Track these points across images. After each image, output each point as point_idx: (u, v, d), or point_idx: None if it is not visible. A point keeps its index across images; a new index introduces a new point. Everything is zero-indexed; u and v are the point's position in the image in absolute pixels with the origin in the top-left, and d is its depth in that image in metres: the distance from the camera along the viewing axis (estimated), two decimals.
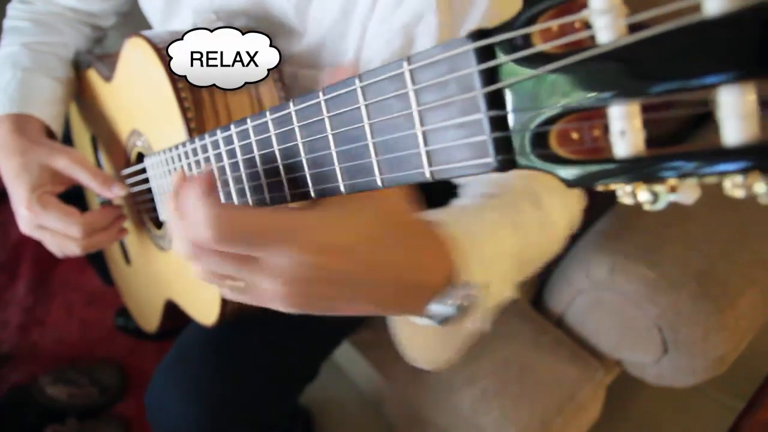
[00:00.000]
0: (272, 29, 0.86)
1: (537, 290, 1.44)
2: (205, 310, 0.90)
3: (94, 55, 1.06)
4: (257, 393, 1.00)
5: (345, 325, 1.23)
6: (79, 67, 1.07)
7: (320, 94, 0.40)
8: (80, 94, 1.10)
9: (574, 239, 1.34)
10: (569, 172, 0.28)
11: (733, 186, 0.24)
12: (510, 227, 0.67)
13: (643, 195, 0.27)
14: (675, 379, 1.21)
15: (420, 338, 0.64)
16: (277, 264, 0.43)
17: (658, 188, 0.26)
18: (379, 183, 0.39)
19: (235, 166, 0.55)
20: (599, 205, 1.38)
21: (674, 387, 1.23)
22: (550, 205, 0.74)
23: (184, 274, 0.93)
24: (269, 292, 0.45)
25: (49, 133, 0.97)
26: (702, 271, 1.15)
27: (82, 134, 1.18)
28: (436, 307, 0.54)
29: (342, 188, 0.42)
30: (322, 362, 1.16)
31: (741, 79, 0.22)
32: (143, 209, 1.00)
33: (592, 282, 1.23)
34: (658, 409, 1.60)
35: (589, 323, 1.30)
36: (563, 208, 0.78)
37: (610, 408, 1.33)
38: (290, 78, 0.87)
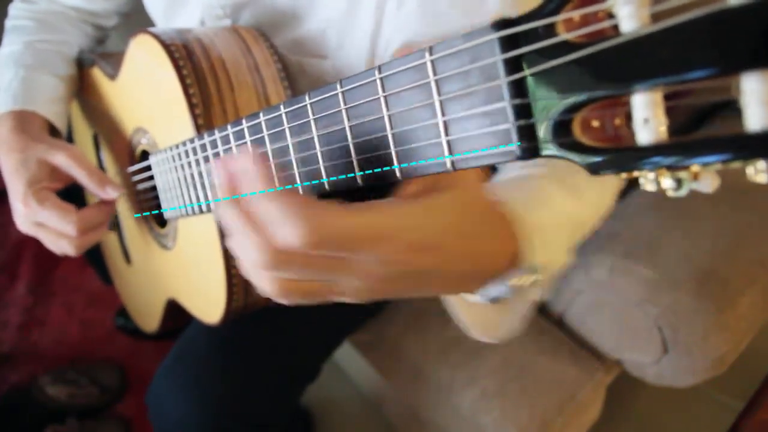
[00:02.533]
0: (276, 18, 0.87)
1: None
2: (209, 309, 0.90)
3: (97, 54, 1.06)
4: (258, 392, 1.00)
5: (346, 325, 1.23)
6: (82, 65, 1.07)
7: (338, 86, 0.41)
8: (83, 92, 1.10)
9: None
10: (592, 160, 0.29)
11: (756, 171, 0.24)
12: (565, 190, 0.66)
13: (667, 182, 0.27)
14: (675, 379, 1.22)
15: (479, 315, 0.63)
16: (367, 265, 0.41)
17: (682, 175, 0.27)
18: (398, 174, 0.39)
19: None
20: None
21: (674, 387, 1.24)
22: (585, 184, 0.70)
23: (189, 272, 0.93)
24: (350, 290, 0.44)
25: (53, 131, 0.97)
26: (702, 271, 1.15)
27: (83, 133, 1.18)
28: (493, 288, 0.55)
29: (359, 180, 0.42)
30: (324, 362, 1.16)
31: (765, 66, 0.22)
32: (146, 207, 1.00)
33: (592, 282, 1.24)
34: (658, 409, 1.61)
35: (589, 323, 1.30)
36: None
37: (610, 408, 1.33)
38: (296, 68, 0.87)
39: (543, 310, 1.40)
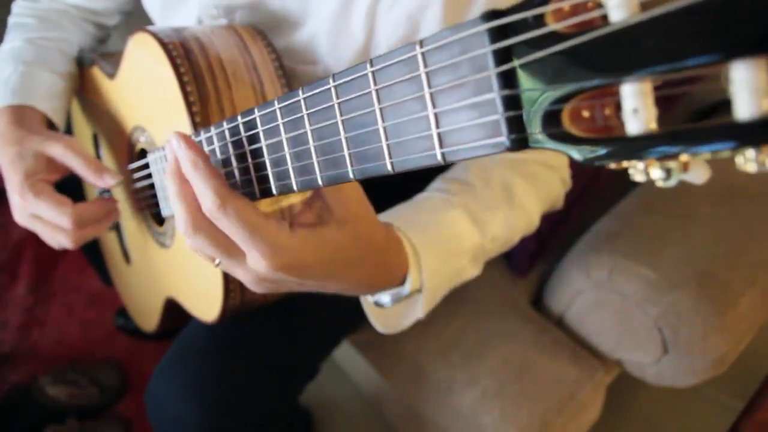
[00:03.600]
0: (271, 22, 0.87)
1: (537, 290, 1.44)
2: (206, 307, 0.90)
3: (97, 53, 1.06)
4: (257, 391, 1.00)
5: (345, 324, 1.23)
6: (82, 64, 1.07)
7: (330, 80, 0.41)
8: (82, 91, 1.10)
9: (575, 239, 1.35)
10: (581, 151, 0.29)
11: (746, 161, 0.24)
12: (472, 225, 0.80)
13: (656, 172, 0.27)
14: (675, 379, 1.22)
15: (376, 310, 0.77)
16: (251, 263, 0.52)
17: (671, 164, 0.26)
18: (388, 167, 0.39)
19: (241, 157, 0.55)
20: (599, 205, 1.38)
21: (674, 387, 1.24)
22: (523, 195, 0.86)
23: (186, 270, 0.94)
24: (242, 278, 0.56)
25: (51, 126, 0.97)
26: (702, 271, 1.15)
27: (83, 132, 1.18)
28: (378, 296, 0.73)
29: (351, 174, 0.42)
30: (322, 361, 1.16)
31: (753, 54, 0.22)
32: (145, 206, 1.00)
33: (592, 282, 1.24)
34: (658, 409, 1.60)
35: (589, 323, 1.30)
36: (538, 196, 0.89)
37: (610, 408, 1.33)
38: (288, 73, 0.88)
39: (543, 310, 1.40)
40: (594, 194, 1.39)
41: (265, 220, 0.51)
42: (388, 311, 0.77)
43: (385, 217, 0.78)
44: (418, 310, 0.76)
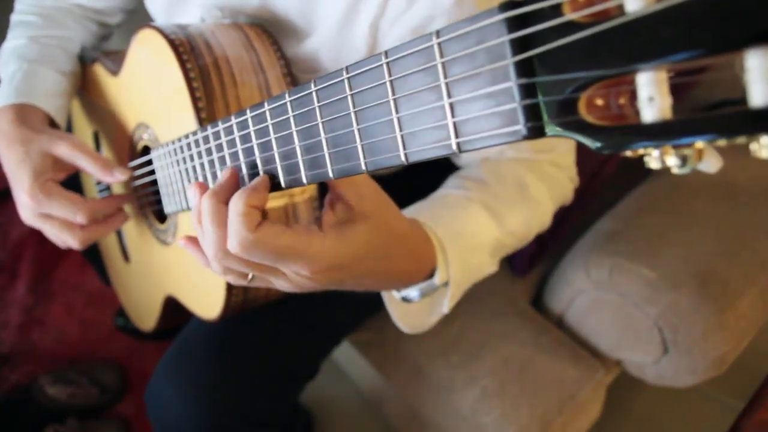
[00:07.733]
0: (277, 30, 0.88)
1: (537, 290, 1.44)
2: (208, 305, 0.90)
3: (100, 51, 1.06)
4: (257, 390, 1.00)
5: (346, 323, 1.23)
6: (83, 62, 1.07)
7: (344, 72, 0.41)
8: (84, 89, 1.10)
9: (575, 239, 1.35)
10: (597, 139, 0.29)
11: (761, 147, 0.25)
12: (491, 219, 0.82)
13: (672, 160, 0.27)
14: (675, 379, 1.22)
15: (402, 308, 0.79)
16: (292, 275, 0.55)
17: (687, 152, 0.27)
18: (402, 158, 0.39)
19: (249, 151, 0.55)
20: (599, 205, 1.39)
21: (674, 387, 1.24)
22: (538, 190, 0.88)
23: (187, 268, 0.93)
24: (281, 286, 0.58)
25: (53, 125, 0.97)
26: (702, 271, 1.16)
27: (83, 130, 1.18)
28: (405, 291, 0.74)
29: (363, 166, 0.42)
30: (323, 360, 1.16)
31: None
32: (146, 203, 1.00)
33: (592, 282, 1.24)
34: (658, 409, 1.61)
35: (589, 323, 1.31)
36: (550, 192, 0.91)
37: (610, 408, 1.33)
38: None
39: (543, 310, 1.40)
40: (594, 194, 1.39)
41: (296, 236, 0.51)
42: (414, 308, 0.78)
43: (407, 213, 0.79)
44: (444, 305, 0.78)
